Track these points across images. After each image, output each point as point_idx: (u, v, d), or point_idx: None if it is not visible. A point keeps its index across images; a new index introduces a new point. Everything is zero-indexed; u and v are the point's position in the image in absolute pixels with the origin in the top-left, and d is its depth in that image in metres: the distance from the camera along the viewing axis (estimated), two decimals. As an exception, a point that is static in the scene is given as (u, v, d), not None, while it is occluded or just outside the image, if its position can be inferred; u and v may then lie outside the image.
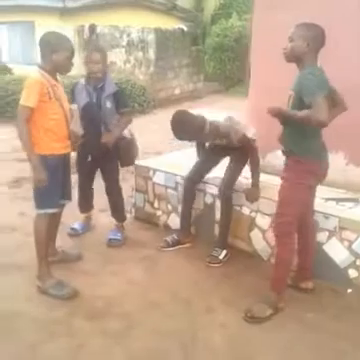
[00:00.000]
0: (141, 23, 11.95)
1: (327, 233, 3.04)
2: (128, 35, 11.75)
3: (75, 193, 3.56)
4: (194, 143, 3.72)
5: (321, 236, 3.05)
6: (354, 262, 2.95)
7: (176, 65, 12.44)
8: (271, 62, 2.94)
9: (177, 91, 12.90)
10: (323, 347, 2.46)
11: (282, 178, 2.71)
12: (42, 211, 2.91)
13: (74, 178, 3.41)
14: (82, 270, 3.22)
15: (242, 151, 3.29)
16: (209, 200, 3.65)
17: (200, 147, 3.67)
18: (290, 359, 2.39)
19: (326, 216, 3.04)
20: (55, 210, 2.97)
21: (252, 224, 3.43)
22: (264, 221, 3.33)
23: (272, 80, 2.95)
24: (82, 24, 11.86)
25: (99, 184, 3.75)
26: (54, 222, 3.11)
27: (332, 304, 2.86)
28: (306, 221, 2.85)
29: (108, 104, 3.43)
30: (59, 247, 3.30)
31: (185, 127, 3.10)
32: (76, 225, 3.83)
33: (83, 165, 3.65)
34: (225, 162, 3.50)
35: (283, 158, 2.75)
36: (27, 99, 2.70)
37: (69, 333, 2.53)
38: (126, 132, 3.64)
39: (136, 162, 4.21)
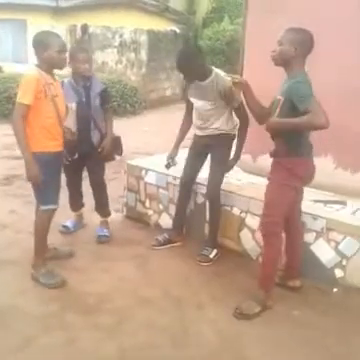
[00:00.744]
0: (134, 24, 11.98)
1: (314, 234, 3.11)
2: (120, 36, 11.78)
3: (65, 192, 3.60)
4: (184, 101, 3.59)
5: (309, 236, 3.13)
6: (340, 262, 3.03)
7: (168, 67, 12.50)
8: (263, 66, 3.01)
9: (168, 92, 12.95)
10: (310, 342, 2.53)
11: (268, 179, 2.77)
12: (46, 207, 2.96)
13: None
14: (74, 267, 3.25)
15: (221, 148, 3.36)
16: (200, 200, 3.71)
17: (186, 93, 3.47)
18: (279, 353, 2.45)
19: (314, 217, 3.11)
20: (57, 206, 3.02)
21: (242, 224, 3.49)
22: (253, 221, 3.39)
23: (264, 84, 3.01)
24: (74, 24, 11.87)
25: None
26: None
27: (319, 302, 2.93)
28: (293, 222, 2.92)
29: (97, 102, 3.56)
30: (51, 244, 3.31)
31: (190, 59, 3.12)
32: (68, 223, 3.86)
33: (69, 163, 3.61)
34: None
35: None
36: (23, 96, 2.73)
37: (62, 327, 2.57)
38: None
39: (128, 161, 4.27)
